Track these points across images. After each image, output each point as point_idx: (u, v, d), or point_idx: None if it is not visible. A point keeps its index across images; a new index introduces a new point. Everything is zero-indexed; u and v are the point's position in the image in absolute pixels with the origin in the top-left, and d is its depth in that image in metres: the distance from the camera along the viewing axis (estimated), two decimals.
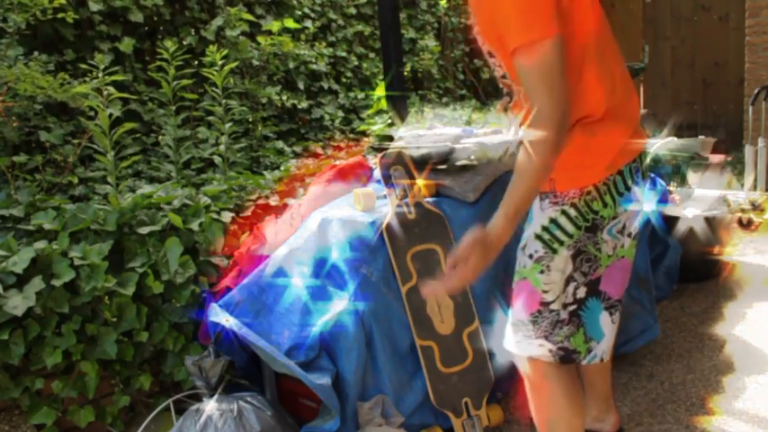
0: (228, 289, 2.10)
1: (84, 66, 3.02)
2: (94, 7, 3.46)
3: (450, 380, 1.99)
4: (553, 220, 1.43)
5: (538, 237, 1.45)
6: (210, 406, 1.80)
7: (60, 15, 3.16)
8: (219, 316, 1.92)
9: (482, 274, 1.30)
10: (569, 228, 1.42)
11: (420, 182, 2.12)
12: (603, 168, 1.41)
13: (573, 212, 1.41)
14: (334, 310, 1.87)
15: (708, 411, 2.10)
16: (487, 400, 2.06)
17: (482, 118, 2.03)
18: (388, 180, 2.11)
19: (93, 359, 2.02)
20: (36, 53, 3.12)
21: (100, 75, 2.78)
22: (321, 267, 1.96)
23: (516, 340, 1.52)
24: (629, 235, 1.50)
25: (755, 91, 4.69)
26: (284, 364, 1.80)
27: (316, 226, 2.03)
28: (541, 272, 1.44)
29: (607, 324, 1.51)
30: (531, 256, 1.46)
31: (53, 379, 2.01)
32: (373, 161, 2.47)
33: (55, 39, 3.42)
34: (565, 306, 1.46)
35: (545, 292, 1.45)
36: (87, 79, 2.94)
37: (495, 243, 1.29)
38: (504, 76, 1.47)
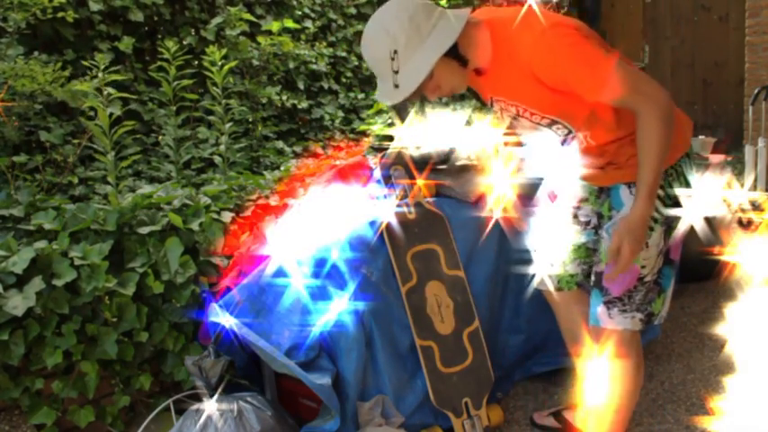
0: (228, 289, 2.10)
1: (85, 63, 3.02)
2: (94, 7, 3.45)
3: (450, 380, 1.99)
4: None
5: None
6: (210, 406, 1.80)
7: (60, 15, 3.16)
8: (219, 316, 1.92)
9: (641, 243, 1.52)
10: (660, 207, 1.59)
11: (420, 182, 2.13)
12: (679, 149, 1.62)
13: (661, 193, 1.59)
14: (334, 310, 1.87)
15: (708, 411, 2.10)
16: (487, 400, 2.06)
17: (482, 118, 2.03)
18: (388, 180, 2.10)
19: (93, 359, 2.02)
20: (36, 53, 3.12)
21: (100, 74, 2.77)
22: (321, 267, 1.96)
23: (611, 316, 1.67)
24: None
25: (755, 91, 4.68)
26: (284, 364, 1.80)
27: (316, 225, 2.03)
28: (641, 249, 1.58)
29: (672, 285, 1.72)
30: None
31: (53, 379, 2.01)
32: (373, 161, 2.47)
33: (55, 38, 3.42)
34: (653, 275, 1.65)
35: (643, 267, 1.63)
36: (87, 78, 2.93)
37: (641, 223, 1.50)
38: (569, 133, 1.65)
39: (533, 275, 1.92)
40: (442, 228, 2.12)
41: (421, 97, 1.66)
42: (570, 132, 1.64)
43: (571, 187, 1.83)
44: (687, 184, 1.63)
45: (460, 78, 1.60)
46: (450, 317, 2.04)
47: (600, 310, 1.69)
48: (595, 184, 1.77)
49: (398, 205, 2.05)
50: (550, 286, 1.90)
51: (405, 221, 2.05)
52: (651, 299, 1.67)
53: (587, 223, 1.82)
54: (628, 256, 1.51)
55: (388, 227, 2.00)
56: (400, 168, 2.13)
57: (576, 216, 1.84)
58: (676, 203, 1.61)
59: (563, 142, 1.68)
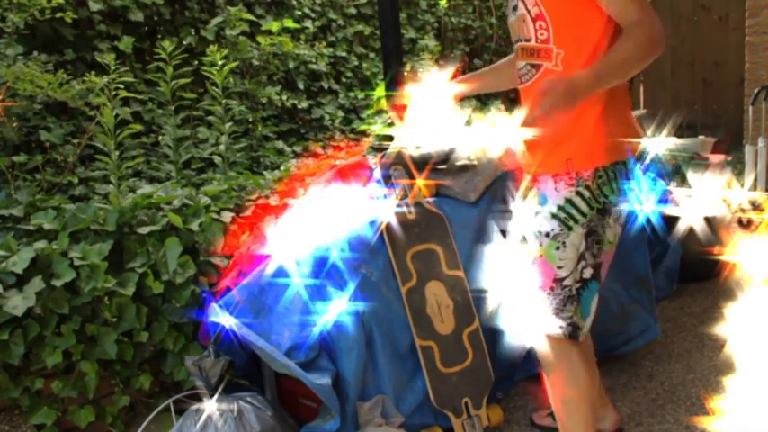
0: (228, 289, 2.10)
1: (97, 59, 3.01)
2: (94, 7, 3.45)
3: (450, 380, 1.99)
4: (569, 200, 1.55)
5: (554, 215, 1.56)
6: (210, 406, 1.80)
7: (59, 15, 3.16)
8: (219, 316, 1.92)
9: (560, 114, 1.40)
10: (584, 207, 1.54)
11: (420, 182, 2.13)
12: (615, 152, 1.55)
13: (587, 193, 1.54)
14: (334, 310, 1.87)
15: (708, 411, 2.10)
16: (487, 400, 2.06)
17: (482, 118, 2.02)
18: (387, 180, 2.10)
19: (93, 359, 2.02)
20: (35, 53, 3.12)
21: (108, 75, 2.77)
22: (321, 267, 1.96)
23: (531, 319, 1.63)
24: (621, 225, 1.68)
25: (755, 91, 4.68)
26: (284, 364, 1.80)
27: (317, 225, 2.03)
28: (557, 248, 1.56)
29: (594, 305, 1.65)
30: (547, 235, 1.57)
31: (53, 379, 2.01)
32: (373, 161, 2.47)
33: (54, 38, 3.42)
34: (575, 282, 1.58)
35: (559, 267, 1.57)
36: (88, 77, 2.93)
37: (572, 88, 1.38)
38: (547, 41, 1.54)
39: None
40: (442, 228, 2.12)
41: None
42: (548, 41, 1.54)
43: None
44: (617, 193, 1.56)
45: None
46: (450, 317, 2.04)
47: (520, 313, 1.68)
48: (526, 171, 1.68)
49: (398, 205, 2.05)
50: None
51: (405, 221, 2.04)
52: (575, 309, 1.60)
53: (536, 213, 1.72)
54: (539, 115, 1.39)
55: (388, 227, 1.99)
56: (400, 168, 2.13)
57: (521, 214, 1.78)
58: (602, 211, 1.56)
59: (530, 57, 1.58)
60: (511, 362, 2.24)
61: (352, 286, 1.90)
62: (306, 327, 1.88)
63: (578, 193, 1.54)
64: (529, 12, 1.55)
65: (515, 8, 1.61)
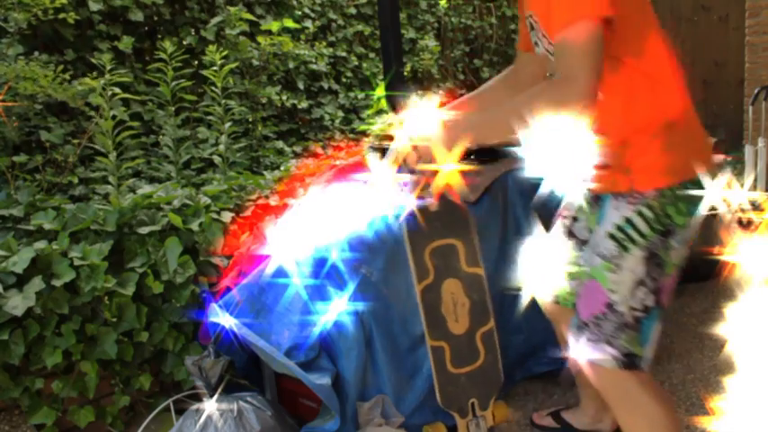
0: (228, 289, 2.10)
1: (93, 60, 3.02)
2: (94, 7, 3.46)
3: (458, 380, 1.96)
4: (628, 220, 1.42)
5: (611, 235, 1.43)
6: (210, 406, 1.80)
7: (61, 16, 3.16)
8: (219, 316, 1.92)
9: (437, 146, 1.38)
10: (644, 228, 1.41)
11: (449, 167, 1.98)
12: (683, 171, 1.40)
13: (649, 213, 1.40)
14: (333, 310, 1.87)
15: (708, 411, 2.10)
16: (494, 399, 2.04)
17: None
18: (409, 168, 1.97)
19: (93, 359, 2.02)
20: (36, 53, 3.12)
21: (106, 75, 2.77)
22: (321, 267, 1.95)
23: (579, 345, 1.47)
24: (688, 246, 1.50)
25: (755, 91, 4.68)
26: (284, 364, 1.80)
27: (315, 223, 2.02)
28: (611, 270, 1.43)
29: (656, 333, 1.49)
30: (601, 255, 1.44)
31: (53, 379, 2.01)
32: (373, 161, 2.46)
33: (54, 38, 3.42)
34: (631, 309, 1.43)
35: (612, 291, 1.43)
36: (90, 77, 2.93)
37: (449, 132, 1.35)
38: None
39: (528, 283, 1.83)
40: (465, 222, 2.04)
41: None
42: None
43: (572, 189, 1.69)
44: (683, 214, 1.42)
45: None
46: (464, 316, 1.99)
47: (571, 335, 1.51)
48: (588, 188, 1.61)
49: (420, 196, 1.89)
50: (547, 298, 1.82)
51: (426, 214, 1.92)
52: (630, 336, 1.44)
53: (584, 242, 1.66)
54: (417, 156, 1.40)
55: (408, 219, 1.89)
56: (425, 156, 1.97)
57: (571, 232, 1.72)
58: (664, 233, 1.42)
59: None
60: (511, 362, 2.24)
61: (351, 286, 1.89)
62: (306, 327, 1.88)
63: (639, 213, 1.41)
64: (551, 54, 1.42)
65: (536, 44, 1.52)
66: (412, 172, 1.91)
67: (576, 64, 1.22)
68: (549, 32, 1.39)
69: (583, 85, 1.21)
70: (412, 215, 1.90)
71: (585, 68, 1.21)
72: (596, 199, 1.60)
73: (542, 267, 1.78)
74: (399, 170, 1.96)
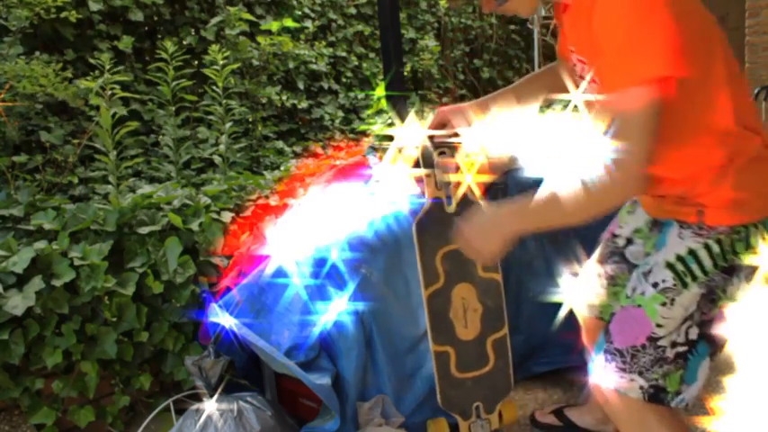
0: (228, 289, 2.10)
1: (92, 60, 3.02)
2: (94, 7, 3.46)
3: (462, 385, 1.93)
4: (692, 252, 1.30)
5: (670, 265, 1.32)
6: (210, 406, 1.80)
7: (63, 15, 3.17)
8: (219, 316, 1.92)
9: (491, 255, 1.31)
10: (707, 263, 1.29)
11: (477, 165, 1.80)
12: (757, 209, 1.29)
13: (716, 249, 1.28)
14: (333, 310, 1.87)
15: (708, 411, 2.10)
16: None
17: (482, 118, 1.99)
18: (428, 163, 1.80)
19: (93, 359, 2.02)
20: (37, 52, 3.12)
21: (105, 74, 2.78)
22: (321, 267, 1.96)
23: (606, 371, 1.37)
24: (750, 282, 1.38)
25: (755, 91, 4.69)
26: (284, 364, 1.80)
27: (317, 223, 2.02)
28: (663, 304, 1.31)
29: (704, 370, 1.37)
30: (655, 285, 1.33)
31: (53, 379, 2.01)
32: (374, 161, 2.47)
33: (55, 38, 3.43)
34: (673, 345, 1.33)
35: (659, 326, 1.32)
36: (90, 78, 2.94)
37: (497, 229, 1.29)
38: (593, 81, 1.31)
39: (566, 295, 1.76)
40: None
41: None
42: None
43: (628, 211, 1.61)
44: (752, 252, 1.29)
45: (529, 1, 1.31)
46: (475, 322, 1.91)
47: (598, 359, 1.39)
48: (649, 212, 1.52)
49: (436, 196, 1.83)
50: (588, 313, 1.73)
51: (441, 215, 1.82)
52: (666, 371, 1.33)
53: (634, 266, 1.55)
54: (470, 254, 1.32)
55: (420, 221, 1.81)
56: (448, 151, 1.81)
57: (623, 255, 1.61)
58: (728, 270, 1.30)
59: None
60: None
61: (351, 286, 1.89)
62: (306, 327, 1.88)
63: (706, 247, 1.29)
64: (593, 92, 1.32)
65: (580, 76, 1.38)
66: (429, 165, 1.82)
67: (630, 138, 1.12)
68: (598, 77, 1.28)
69: (638, 159, 1.13)
70: (425, 216, 1.82)
71: (641, 142, 1.12)
72: (656, 223, 1.50)
73: (586, 284, 1.70)
74: (429, 155, 1.85)
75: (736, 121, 1.26)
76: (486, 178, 1.86)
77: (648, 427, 1.37)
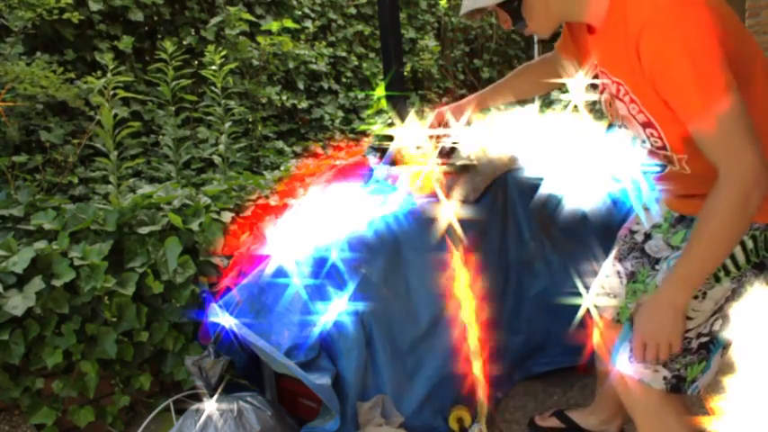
0: (228, 289, 2.10)
1: (96, 58, 3.02)
2: (94, 7, 3.46)
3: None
4: None
5: None
6: (210, 406, 1.80)
7: (66, 16, 3.17)
8: (219, 316, 1.92)
9: (677, 336, 1.29)
10: (741, 259, 1.31)
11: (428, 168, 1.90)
12: None
13: (750, 244, 1.30)
14: (333, 310, 1.87)
15: (708, 411, 2.10)
16: (488, 400, 1.99)
17: (482, 117, 1.99)
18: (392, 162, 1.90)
19: (93, 359, 2.02)
20: (38, 53, 3.12)
21: (108, 74, 2.78)
22: (321, 267, 1.96)
23: (630, 360, 1.39)
24: None
25: None
26: (284, 364, 1.80)
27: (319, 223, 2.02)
28: (695, 297, 1.32)
29: (719, 358, 1.41)
30: None
31: (53, 379, 2.01)
32: (373, 161, 2.47)
33: (55, 38, 3.43)
34: (699, 336, 1.36)
35: (689, 318, 1.33)
36: (92, 77, 2.94)
37: (667, 310, 1.27)
38: (663, 148, 1.33)
39: (584, 298, 1.75)
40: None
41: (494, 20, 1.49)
42: (665, 148, 1.33)
43: (647, 208, 1.62)
44: None
45: (546, 21, 1.35)
46: None
47: (623, 349, 1.42)
48: (675, 210, 1.52)
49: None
50: (607, 315, 1.72)
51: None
52: (689, 362, 1.36)
53: (656, 260, 1.57)
54: (654, 355, 1.30)
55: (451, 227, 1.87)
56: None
57: (643, 250, 1.62)
58: (759, 266, 1.33)
59: (652, 157, 1.39)
60: (511, 362, 2.24)
61: (351, 286, 1.90)
62: (306, 327, 1.88)
63: (741, 243, 1.30)
64: (634, 117, 1.33)
65: (610, 101, 1.41)
66: (392, 164, 1.90)
67: (733, 148, 1.15)
68: (644, 104, 1.30)
69: (752, 162, 1.14)
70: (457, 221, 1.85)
71: (744, 144, 1.14)
72: (682, 218, 1.50)
73: (604, 284, 1.71)
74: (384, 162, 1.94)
75: None
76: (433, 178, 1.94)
77: (664, 417, 1.41)
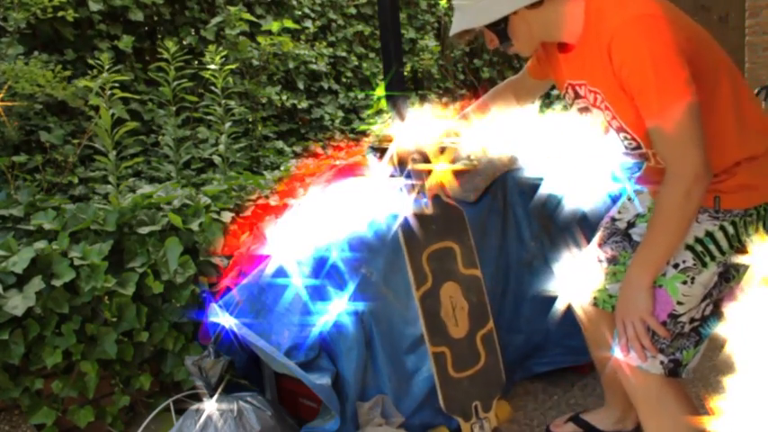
0: (228, 289, 2.10)
1: (90, 61, 3.02)
2: (94, 7, 3.46)
3: (460, 385, 1.95)
4: (709, 234, 1.41)
5: (690, 247, 1.41)
6: (210, 406, 1.80)
7: (61, 14, 3.16)
8: (219, 316, 1.92)
9: (648, 313, 1.40)
10: (724, 244, 1.41)
11: (440, 170, 1.92)
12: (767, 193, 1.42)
13: (731, 230, 1.40)
14: (333, 311, 1.87)
15: (708, 411, 2.10)
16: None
17: (482, 117, 1.99)
18: (403, 170, 1.92)
19: (93, 359, 2.02)
20: (36, 52, 3.12)
21: (105, 73, 2.78)
22: (321, 267, 1.96)
23: (628, 347, 1.45)
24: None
25: (755, 91, 4.69)
26: (284, 364, 1.80)
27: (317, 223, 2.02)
28: (684, 282, 1.41)
29: (706, 342, 1.50)
30: (676, 266, 1.42)
31: (53, 379, 2.01)
32: (374, 161, 2.46)
33: (54, 38, 3.43)
34: (691, 321, 1.44)
35: (680, 303, 1.41)
36: (89, 77, 2.94)
37: (638, 292, 1.40)
38: (638, 147, 1.45)
39: (560, 287, 1.81)
40: (461, 223, 2.02)
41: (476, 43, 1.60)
42: (639, 148, 1.45)
43: (630, 199, 1.71)
44: (761, 235, 1.40)
45: (528, 41, 1.46)
46: (464, 319, 1.97)
47: (619, 338, 1.47)
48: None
49: (415, 199, 1.91)
50: (584, 300, 1.79)
51: (422, 217, 1.91)
52: (683, 345, 1.44)
53: (638, 244, 1.62)
54: (633, 334, 1.40)
55: (404, 224, 1.88)
56: (418, 157, 1.92)
57: (627, 234, 1.71)
58: (742, 251, 1.42)
59: (629, 156, 1.50)
60: (511, 362, 2.24)
61: (351, 286, 1.90)
62: (306, 327, 1.88)
63: (722, 228, 1.40)
64: (609, 123, 1.45)
65: (584, 108, 1.51)
66: (404, 172, 1.93)
67: (681, 150, 1.29)
68: (613, 105, 1.42)
69: (694, 164, 1.29)
70: (407, 219, 1.91)
71: (691, 147, 1.28)
72: None
73: (582, 268, 1.78)
74: (394, 171, 1.98)
75: (745, 127, 1.40)
76: (451, 179, 1.99)
77: (665, 402, 1.47)
